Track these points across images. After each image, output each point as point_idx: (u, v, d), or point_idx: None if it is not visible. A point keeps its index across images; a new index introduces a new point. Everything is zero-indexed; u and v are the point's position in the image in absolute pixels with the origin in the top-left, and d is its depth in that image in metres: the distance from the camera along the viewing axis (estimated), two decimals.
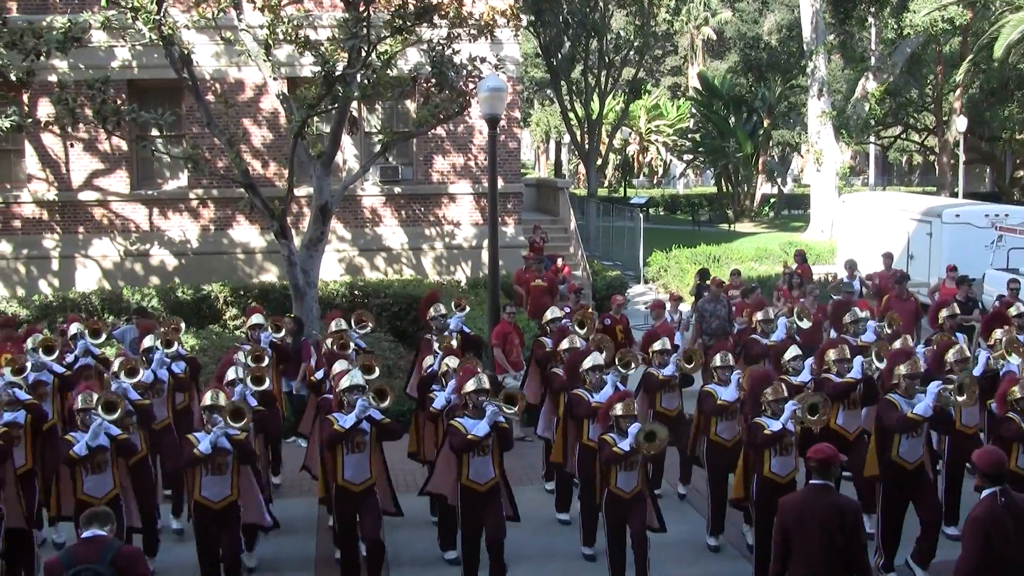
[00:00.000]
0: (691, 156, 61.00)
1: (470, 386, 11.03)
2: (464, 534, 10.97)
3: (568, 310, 16.51)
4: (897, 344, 13.33)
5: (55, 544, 12.61)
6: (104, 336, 15.08)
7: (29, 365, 12.44)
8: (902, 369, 11.37)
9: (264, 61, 19.71)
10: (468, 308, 15.90)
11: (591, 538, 12.24)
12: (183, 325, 16.14)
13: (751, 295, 18.65)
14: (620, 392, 11.29)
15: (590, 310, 17.59)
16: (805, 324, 15.29)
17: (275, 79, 20.33)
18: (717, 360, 12.75)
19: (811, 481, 8.57)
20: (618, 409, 10.68)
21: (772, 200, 54.91)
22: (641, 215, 35.45)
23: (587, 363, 12.31)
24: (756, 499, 11.02)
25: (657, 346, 13.68)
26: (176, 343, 13.84)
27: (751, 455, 11.15)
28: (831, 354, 12.52)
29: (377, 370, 12.43)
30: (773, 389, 10.98)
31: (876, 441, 11.54)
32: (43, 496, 12.21)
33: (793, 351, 13.09)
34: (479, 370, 11.62)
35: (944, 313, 15.48)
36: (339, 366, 12.06)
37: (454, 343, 14.08)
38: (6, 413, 11.07)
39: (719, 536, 12.63)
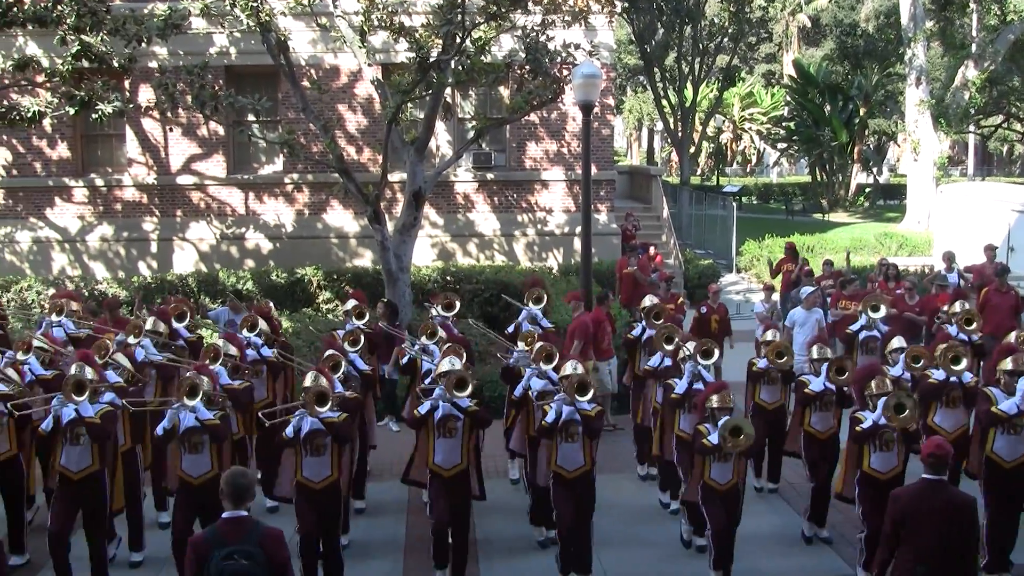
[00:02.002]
0: (785, 144, 60.30)
1: (565, 370, 11.11)
2: (556, 516, 10.99)
3: (659, 298, 16.43)
4: (1012, 337, 13.06)
5: (160, 525, 12.86)
6: (188, 320, 15.32)
7: (112, 345, 12.71)
8: (1007, 364, 11.15)
9: (359, 47, 19.85)
10: (545, 300, 15.72)
11: (700, 526, 12.05)
12: (272, 307, 16.33)
13: (849, 286, 18.46)
14: (717, 383, 11.18)
15: (681, 300, 17.50)
16: (880, 313, 15.02)
17: (370, 65, 20.47)
18: (814, 352, 12.63)
19: (924, 475, 8.43)
20: (714, 401, 10.60)
21: (867, 190, 54.12)
22: (734, 204, 35.09)
23: (681, 353, 12.29)
24: (858, 495, 10.83)
25: (768, 336, 13.59)
26: (258, 326, 13.98)
27: (854, 450, 10.98)
28: (944, 347, 12.31)
29: (464, 356, 12.40)
30: (876, 383, 10.81)
31: (976, 436, 11.34)
32: (153, 473, 12.57)
33: (897, 342, 12.89)
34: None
35: None
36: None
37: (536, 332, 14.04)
38: (106, 394, 11.29)
39: (818, 527, 12.47)
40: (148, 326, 13.92)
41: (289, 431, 10.50)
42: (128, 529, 11.93)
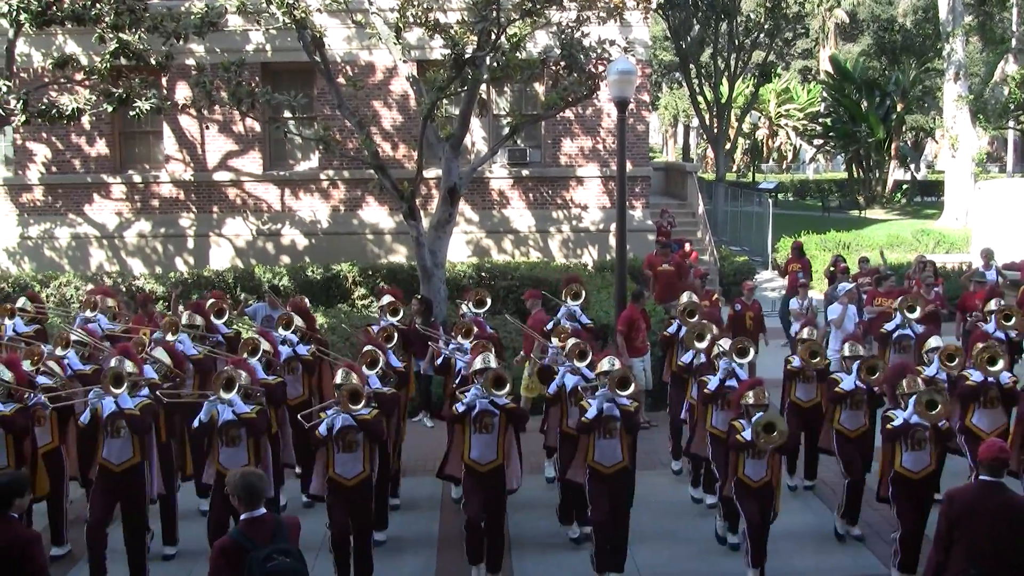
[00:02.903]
0: (821, 141, 59.86)
1: (602, 367, 11.09)
2: (592, 512, 10.96)
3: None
4: None
5: (201, 512, 12.98)
6: (227, 316, 15.43)
7: (149, 342, 12.84)
8: None
9: (394, 44, 19.88)
10: (584, 295, 15.74)
11: (734, 524, 12.01)
12: (307, 302, 16.36)
13: (885, 283, 18.34)
14: (751, 380, 11.16)
15: (716, 296, 17.45)
16: (915, 314, 14.90)
17: (405, 62, 20.49)
18: (846, 349, 12.57)
19: (981, 477, 8.32)
20: (749, 397, 10.58)
21: (904, 186, 53.68)
22: (770, 200, 34.95)
23: (716, 348, 12.23)
24: (891, 494, 10.76)
25: (805, 333, 13.54)
26: (294, 323, 14.01)
27: (888, 449, 10.90)
28: (980, 348, 12.18)
29: (493, 352, 12.42)
30: (907, 382, 10.72)
31: (1015, 438, 11.23)
32: (179, 465, 12.67)
33: (934, 341, 12.79)
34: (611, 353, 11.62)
35: None
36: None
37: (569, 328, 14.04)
38: (144, 388, 11.38)
39: (850, 525, 12.42)
40: (184, 320, 14.03)
41: (323, 429, 10.52)
42: (161, 523, 12.04)
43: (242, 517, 7.27)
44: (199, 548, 11.51)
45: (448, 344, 13.92)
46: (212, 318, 14.90)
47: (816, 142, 62.36)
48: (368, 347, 12.45)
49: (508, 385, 10.91)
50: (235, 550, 7.10)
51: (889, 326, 14.98)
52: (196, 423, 10.85)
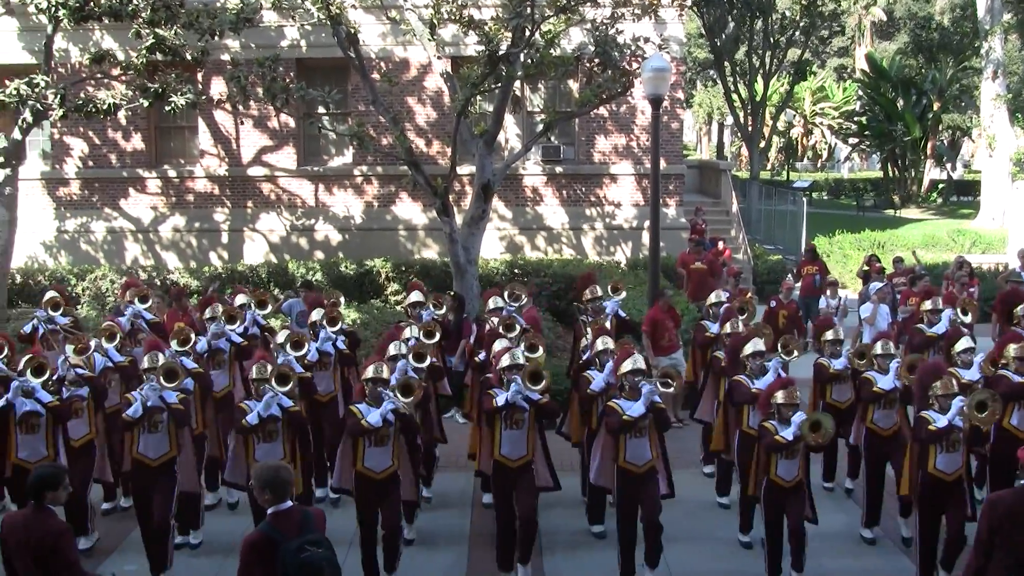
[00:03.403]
0: (857, 140, 59.50)
1: (627, 366, 10.94)
2: (620, 514, 10.88)
3: (728, 294, 16.28)
4: None
5: (229, 505, 13.04)
6: (270, 308, 15.47)
7: (194, 336, 12.89)
8: None
9: (429, 40, 19.91)
10: (624, 292, 15.74)
11: (748, 526, 12.09)
12: (342, 299, 16.41)
13: (919, 282, 18.18)
14: (782, 379, 11.03)
15: (750, 295, 17.35)
16: (968, 318, 14.71)
17: (439, 58, 20.51)
18: (878, 348, 12.43)
19: (1022, 482, 8.19)
20: (780, 397, 10.48)
21: (940, 186, 53.29)
22: (804, 199, 34.71)
23: (748, 349, 12.11)
24: (919, 495, 10.63)
25: (829, 335, 13.37)
26: (340, 321, 14.11)
27: (916, 450, 10.79)
28: (1011, 349, 12.01)
29: (542, 349, 12.41)
30: (943, 383, 10.55)
31: None
32: (219, 457, 12.72)
33: (965, 343, 12.65)
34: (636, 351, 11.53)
35: None
36: (499, 345, 12.12)
37: (608, 325, 13.99)
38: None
39: (874, 528, 12.35)
40: (208, 314, 14.09)
41: (376, 420, 10.42)
42: (187, 511, 12.06)
43: (269, 511, 7.27)
44: (228, 542, 11.60)
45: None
46: (255, 309, 14.93)
47: (851, 141, 61.99)
48: (419, 341, 12.62)
49: (544, 382, 10.90)
50: (266, 543, 7.10)
51: (939, 329, 14.75)
52: (255, 419, 10.76)
